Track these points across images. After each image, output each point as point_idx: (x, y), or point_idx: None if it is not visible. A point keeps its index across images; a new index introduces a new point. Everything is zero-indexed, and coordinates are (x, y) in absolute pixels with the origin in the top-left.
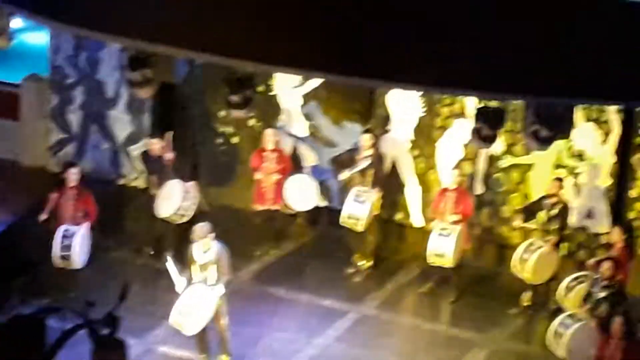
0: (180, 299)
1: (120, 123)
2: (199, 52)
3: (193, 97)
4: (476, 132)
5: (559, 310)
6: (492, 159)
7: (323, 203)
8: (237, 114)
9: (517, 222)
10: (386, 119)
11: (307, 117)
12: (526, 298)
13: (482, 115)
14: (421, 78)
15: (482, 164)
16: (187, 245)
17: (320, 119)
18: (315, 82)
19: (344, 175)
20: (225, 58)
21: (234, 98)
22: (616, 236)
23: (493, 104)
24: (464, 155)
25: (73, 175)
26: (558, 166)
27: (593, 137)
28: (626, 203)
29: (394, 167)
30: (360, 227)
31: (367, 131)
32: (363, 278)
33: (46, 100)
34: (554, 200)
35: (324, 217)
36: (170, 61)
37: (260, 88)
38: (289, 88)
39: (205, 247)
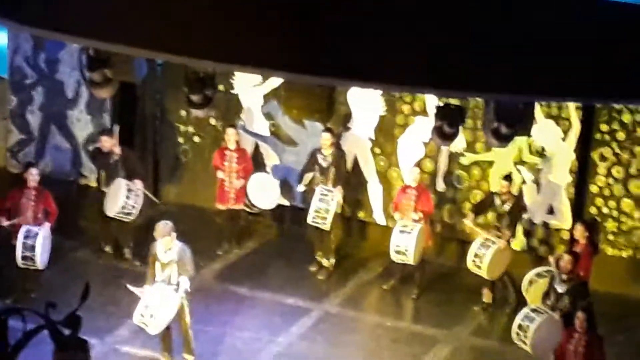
0: (142, 299)
1: (81, 123)
2: (158, 52)
3: (153, 97)
4: (437, 130)
5: (519, 306)
6: (453, 156)
7: (285, 202)
8: (197, 113)
9: (468, 219)
10: (347, 117)
11: (268, 116)
12: (486, 295)
13: (442, 113)
14: (381, 76)
15: (443, 162)
16: (148, 244)
17: (281, 117)
18: (276, 81)
19: (300, 188)
20: (185, 57)
21: (194, 97)
22: (579, 233)
23: (453, 101)
24: (425, 153)
25: (33, 176)
26: (518, 163)
27: (553, 134)
28: (587, 199)
29: (355, 165)
30: (327, 225)
31: (327, 130)
32: (326, 276)
33: (5, 101)
34: (504, 197)
35: (287, 216)
36: (130, 61)
37: (221, 87)
38: (250, 87)
39: (167, 245)
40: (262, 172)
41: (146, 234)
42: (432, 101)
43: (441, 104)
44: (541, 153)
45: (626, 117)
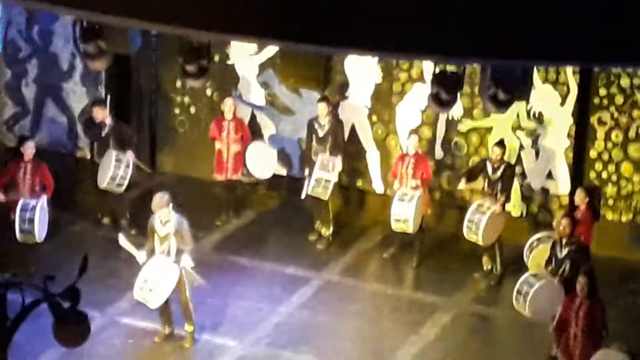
0: (142, 271)
1: (76, 95)
2: (153, 23)
3: (148, 68)
4: (434, 97)
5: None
6: (451, 123)
7: (283, 171)
8: (193, 83)
9: (461, 185)
10: (344, 85)
11: (264, 85)
12: (486, 262)
13: (439, 79)
14: (378, 43)
15: (441, 129)
16: (146, 215)
17: (277, 87)
18: (272, 50)
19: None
20: (179, 28)
21: (190, 68)
22: (579, 198)
23: (450, 68)
24: (422, 120)
25: (29, 149)
26: (516, 128)
27: (551, 99)
28: (586, 163)
29: (353, 133)
30: (327, 195)
31: (324, 99)
32: (325, 245)
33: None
34: (497, 163)
35: (285, 185)
36: (124, 32)
37: (217, 57)
38: (245, 57)
39: (165, 217)
40: (259, 142)
41: (144, 205)
42: (429, 68)
43: (438, 71)
44: (539, 118)
45: (624, 81)
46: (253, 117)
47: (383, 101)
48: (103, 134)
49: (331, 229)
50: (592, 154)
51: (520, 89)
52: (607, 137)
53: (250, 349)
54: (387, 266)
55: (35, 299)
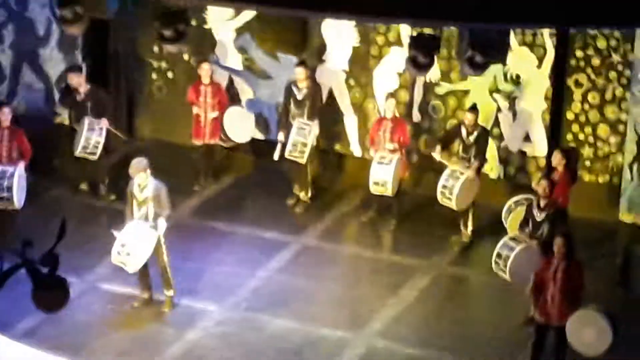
0: (120, 236)
1: (52, 61)
2: None
3: (125, 33)
4: (411, 60)
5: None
6: (429, 86)
7: (261, 135)
8: (170, 48)
9: (436, 154)
10: (321, 49)
11: (242, 50)
12: (462, 224)
13: (416, 42)
14: (355, 7)
15: (418, 92)
16: (124, 181)
17: (254, 51)
18: (249, 14)
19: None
20: None
21: (166, 32)
22: (556, 160)
23: (427, 31)
24: (400, 84)
25: (5, 116)
26: (494, 91)
27: (528, 61)
28: (563, 125)
29: (330, 97)
30: (304, 159)
31: (302, 63)
32: (303, 209)
33: None
34: (471, 127)
35: (263, 150)
36: None
37: (194, 22)
38: (222, 21)
39: (143, 182)
40: (237, 106)
41: (122, 171)
42: (406, 31)
43: (415, 34)
44: (516, 81)
45: (601, 43)
46: (231, 82)
47: (360, 65)
48: (79, 99)
49: (309, 192)
50: (569, 115)
51: (497, 52)
52: (584, 98)
53: (228, 314)
54: (366, 229)
55: (14, 264)
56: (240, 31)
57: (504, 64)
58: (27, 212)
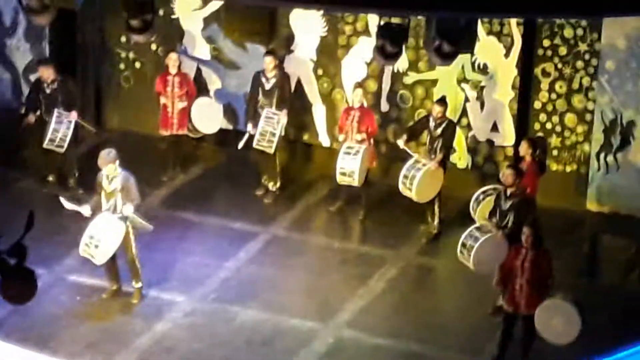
0: (88, 228)
1: (20, 52)
2: None
3: (93, 23)
4: (379, 50)
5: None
6: (397, 76)
7: (229, 126)
8: (137, 38)
9: (400, 142)
10: (289, 39)
11: (209, 39)
12: (429, 215)
13: (384, 32)
14: None
15: (386, 81)
16: (93, 172)
17: (222, 41)
18: (216, 4)
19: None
20: None
21: (134, 22)
22: (523, 149)
23: (395, 20)
24: (368, 73)
25: None
26: (461, 80)
27: (495, 51)
28: (530, 114)
29: (299, 87)
30: (272, 149)
31: (270, 52)
32: (272, 199)
33: None
34: (439, 120)
35: (231, 140)
36: None
37: (161, 12)
38: (190, 11)
39: (111, 173)
40: (205, 97)
41: (90, 162)
42: (374, 21)
43: (383, 23)
44: (484, 70)
45: (568, 32)
46: (198, 72)
47: (328, 54)
48: (49, 91)
49: (278, 183)
50: (537, 105)
51: (464, 41)
52: (551, 88)
53: (197, 304)
54: (334, 220)
55: None
56: (207, 21)
57: (472, 53)
58: None
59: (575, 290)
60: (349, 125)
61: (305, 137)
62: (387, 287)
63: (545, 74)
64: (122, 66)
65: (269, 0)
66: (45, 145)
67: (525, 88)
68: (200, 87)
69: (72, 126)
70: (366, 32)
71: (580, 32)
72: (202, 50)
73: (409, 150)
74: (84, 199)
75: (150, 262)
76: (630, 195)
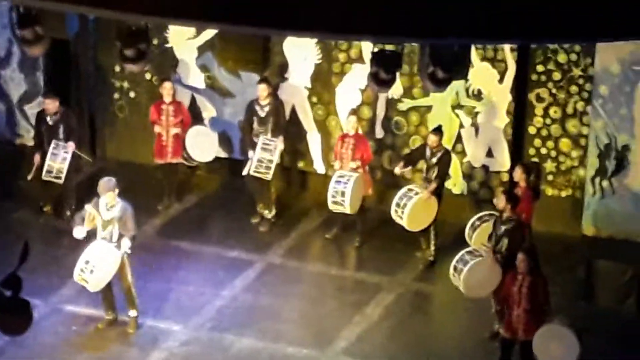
0: (83, 255)
1: (14, 82)
2: (89, 7)
3: (87, 53)
4: (373, 76)
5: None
6: (391, 103)
7: (224, 154)
8: (132, 68)
9: (397, 169)
10: (283, 66)
11: (204, 68)
12: (423, 242)
13: (378, 59)
14: (316, 24)
15: (381, 108)
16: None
17: (216, 69)
18: (210, 32)
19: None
20: (116, 12)
21: (128, 52)
22: (518, 175)
23: (389, 47)
24: (362, 100)
25: None
26: (456, 107)
27: (489, 76)
28: (525, 140)
29: (293, 114)
30: (269, 176)
31: (264, 80)
32: (268, 227)
33: None
34: (435, 149)
35: (226, 168)
36: (61, 17)
37: (155, 41)
38: (184, 40)
39: (110, 202)
40: (199, 125)
41: (87, 192)
42: (368, 48)
43: (377, 50)
44: (478, 96)
45: (561, 57)
46: (193, 101)
47: (323, 82)
48: (51, 123)
49: (273, 210)
50: (531, 130)
51: (458, 68)
52: (546, 113)
53: (193, 333)
54: (330, 247)
55: None
56: (202, 50)
57: (466, 79)
58: None
59: (572, 315)
60: (343, 153)
61: (301, 164)
62: (384, 314)
63: (540, 99)
64: (116, 95)
65: (262, 28)
66: (43, 176)
67: (520, 113)
68: (194, 116)
69: (69, 157)
70: (360, 59)
71: (573, 57)
72: (197, 79)
73: (406, 175)
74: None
75: (146, 291)
76: (625, 219)
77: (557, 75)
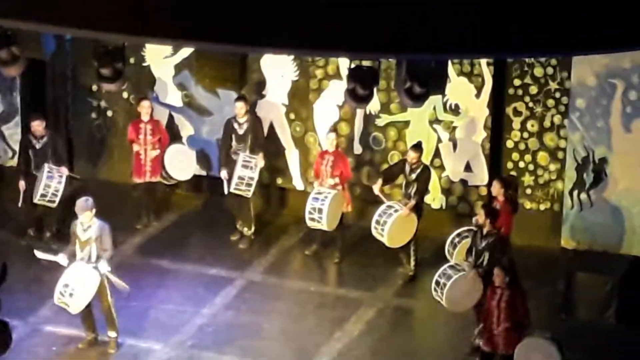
0: (62, 276)
1: None
2: (65, 27)
3: (63, 73)
4: (350, 92)
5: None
6: (369, 118)
7: (202, 172)
8: (109, 87)
9: (376, 185)
10: (261, 84)
11: (181, 86)
12: (403, 257)
13: (355, 75)
14: (292, 41)
15: (359, 124)
16: (68, 222)
17: (194, 87)
18: (187, 51)
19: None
20: (92, 31)
21: (105, 71)
22: (496, 189)
23: (366, 63)
24: (340, 116)
25: None
26: (434, 122)
27: (467, 91)
28: (503, 154)
29: (271, 131)
30: (250, 193)
31: (241, 97)
32: (247, 244)
33: None
34: (414, 165)
35: (205, 186)
36: (37, 37)
37: (132, 60)
38: (161, 58)
39: (87, 222)
40: (177, 144)
41: (64, 212)
42: (345, 64)
43: (354, 66)
44: (456, 111)
45: (538, 71)
46: (171, 119)
47: (300, 98)
48: (39, 146)
49: (253, 228)
50: (509, 144)
51: (435, 83)
52: (523, 127)
53: (174, 352)
54: (310, 263)
55: None
56: (179, 68)
57: (443, 94)
58: None
59: (552, 328)
60: (323, 170)
61: (279, 181)
62: (365, 330)
63: (517, 113)
64: (94, 115)
65: (239, 46)
66: (37, 200)
67: (497, 127)
68: (172, 134)
69: (63, 180)
70: (337, 75)
71: (550, 70)
72: (174, 97)
73: (382, 197)
74: (59, 250)
75: (126, 310)
76: (604, 231)
77: (534, 89)
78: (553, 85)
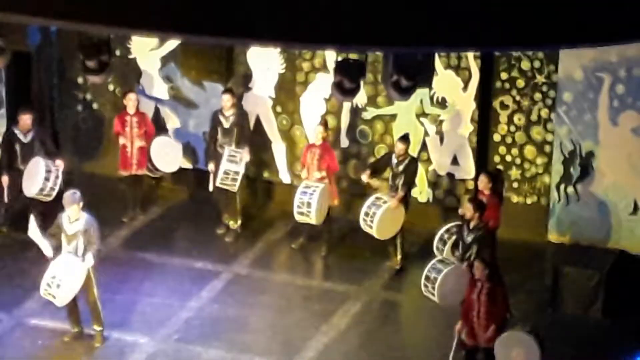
0: (48, 269)
1: None
2: (50, 19)
3: (49, 65)
4: (337, 86)
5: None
6: (356, 112)
7: (188, 165)
8: (94, 79)
9: (364, 176)
10: (247, 77)
11: (167, 79)
12: (391, 251)
13: (341, 68)
14: (278, 33)
15: (345, 117)
16: (55, 215)
17: (180, 80)
18: (173, 43)
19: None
20: (77, 23)
21: (90, 63)
22: (482, 183)
23: (353, 56)
24: (327, 109)
25: None
26: (420, 115)
27: (454, 84)
28: (490, 147)
29: (258, 125)
30: (236, 187)
31: (228, 90)
32: (233, 238)
33: None
34: (401, 157)
35: (191, 179)
36: (23, 29)
37: (118, 52)
38: (147, 51)
39: (74, 215)
40: (163, 136)
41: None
42: (331, 57)
43: (340, 59)
44: (442, 104)
45: (525, 64)
46: (157, 112)
47: (287, 91)
48: (26, 140)
49: (239, 221)
50: (496, 137)
51: (422, 76)
52: (510, 120)
53: (160, 345)
54: (296, 257)
55: None
56: (165, 60)
57: (430, 87)
58: None
59: (539, 321)
60: (309, 163)
61: (266, 174)
62: (352, 323)
63: (504, 106)
64: (79, 108)
65: (225, 38)
66: (34, 195)
67: (484, 121)
68: (158, 127)
69: (60, 174)
70: (324, 68)
71: (537, 64)
72: (160, 90)
73: (372, 184)
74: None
75: (112, 303)
76: (591, 225)
77: (521, 83)
78: (540, 79)
